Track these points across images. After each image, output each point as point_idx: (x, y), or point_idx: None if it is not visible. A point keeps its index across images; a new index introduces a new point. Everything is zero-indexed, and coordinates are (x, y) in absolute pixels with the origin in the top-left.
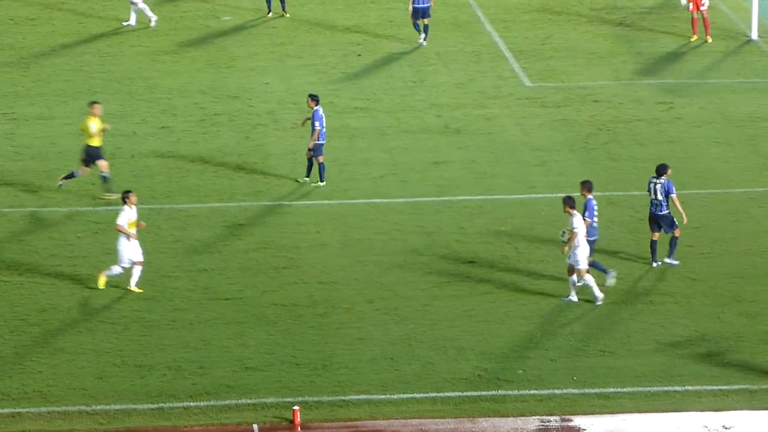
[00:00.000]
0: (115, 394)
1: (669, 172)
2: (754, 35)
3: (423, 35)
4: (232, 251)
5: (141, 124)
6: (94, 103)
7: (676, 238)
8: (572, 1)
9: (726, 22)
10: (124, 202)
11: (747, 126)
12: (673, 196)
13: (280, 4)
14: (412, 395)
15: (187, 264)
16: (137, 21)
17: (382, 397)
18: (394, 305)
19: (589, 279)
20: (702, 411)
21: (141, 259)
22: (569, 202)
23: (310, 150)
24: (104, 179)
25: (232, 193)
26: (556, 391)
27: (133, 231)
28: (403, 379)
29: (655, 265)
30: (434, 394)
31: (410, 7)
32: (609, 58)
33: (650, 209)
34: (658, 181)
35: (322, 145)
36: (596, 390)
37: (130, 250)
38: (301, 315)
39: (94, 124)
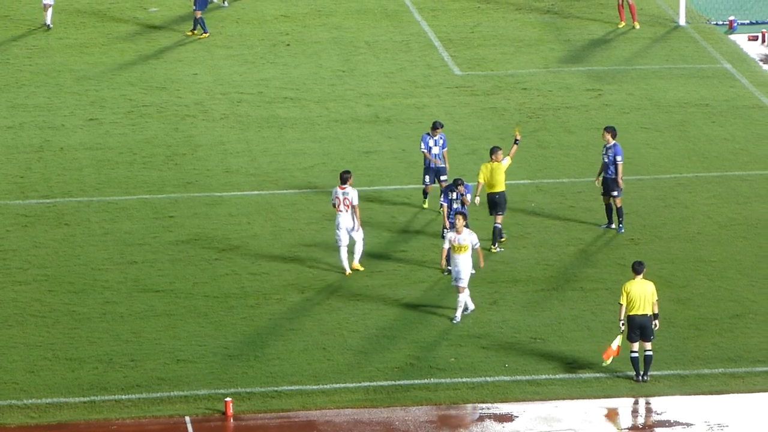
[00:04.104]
0: (47, 388)
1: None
2: (682, 21)
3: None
4: (162, 243)
5: (69, 117)
6: (497, 148)
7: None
8: None
9: (653, 9)
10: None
11: (675, 112)
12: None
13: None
14: (344, 385)
15: (117, 256)
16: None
17: (315, 387)
18: (326, 295)
19: (466, 296)
20: (633, 397)
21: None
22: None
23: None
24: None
25: (161, 185)
26: (488, 379)
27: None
28: (335, 369)
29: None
30: (367, 384)
31: None
32: (537, 46)
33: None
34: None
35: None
36: (528, 377)
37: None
38: (232, 306)
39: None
